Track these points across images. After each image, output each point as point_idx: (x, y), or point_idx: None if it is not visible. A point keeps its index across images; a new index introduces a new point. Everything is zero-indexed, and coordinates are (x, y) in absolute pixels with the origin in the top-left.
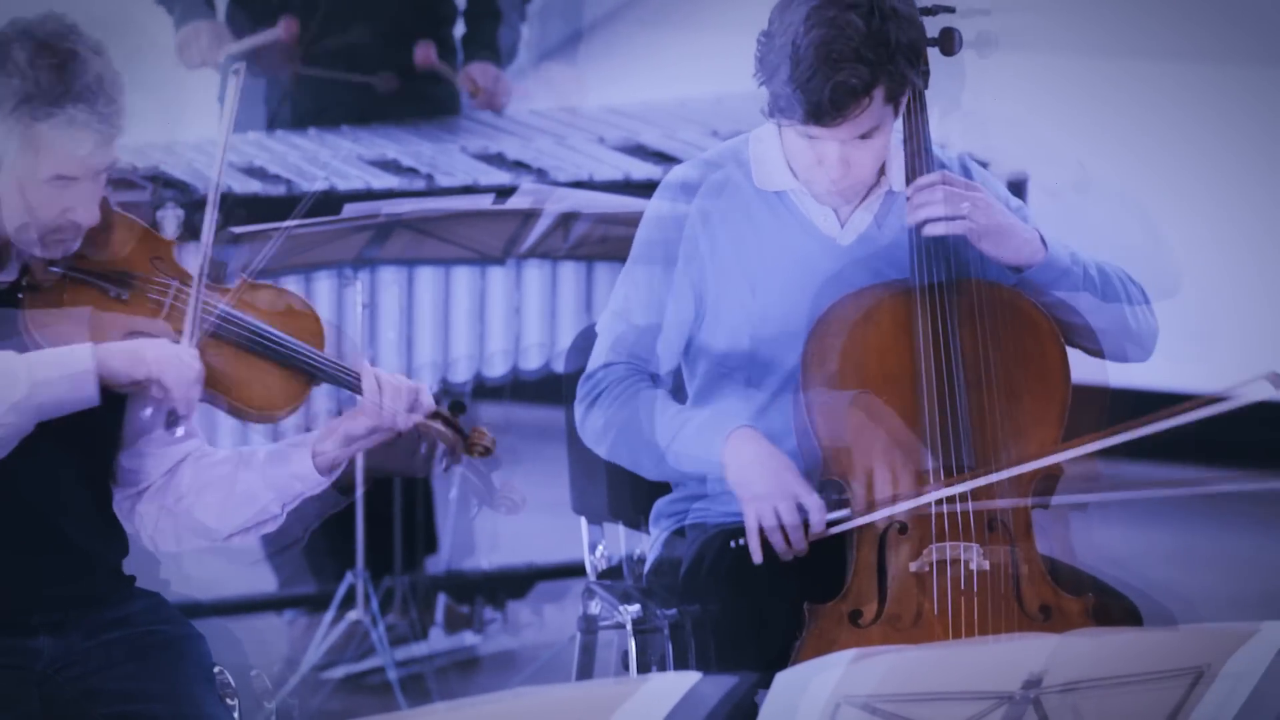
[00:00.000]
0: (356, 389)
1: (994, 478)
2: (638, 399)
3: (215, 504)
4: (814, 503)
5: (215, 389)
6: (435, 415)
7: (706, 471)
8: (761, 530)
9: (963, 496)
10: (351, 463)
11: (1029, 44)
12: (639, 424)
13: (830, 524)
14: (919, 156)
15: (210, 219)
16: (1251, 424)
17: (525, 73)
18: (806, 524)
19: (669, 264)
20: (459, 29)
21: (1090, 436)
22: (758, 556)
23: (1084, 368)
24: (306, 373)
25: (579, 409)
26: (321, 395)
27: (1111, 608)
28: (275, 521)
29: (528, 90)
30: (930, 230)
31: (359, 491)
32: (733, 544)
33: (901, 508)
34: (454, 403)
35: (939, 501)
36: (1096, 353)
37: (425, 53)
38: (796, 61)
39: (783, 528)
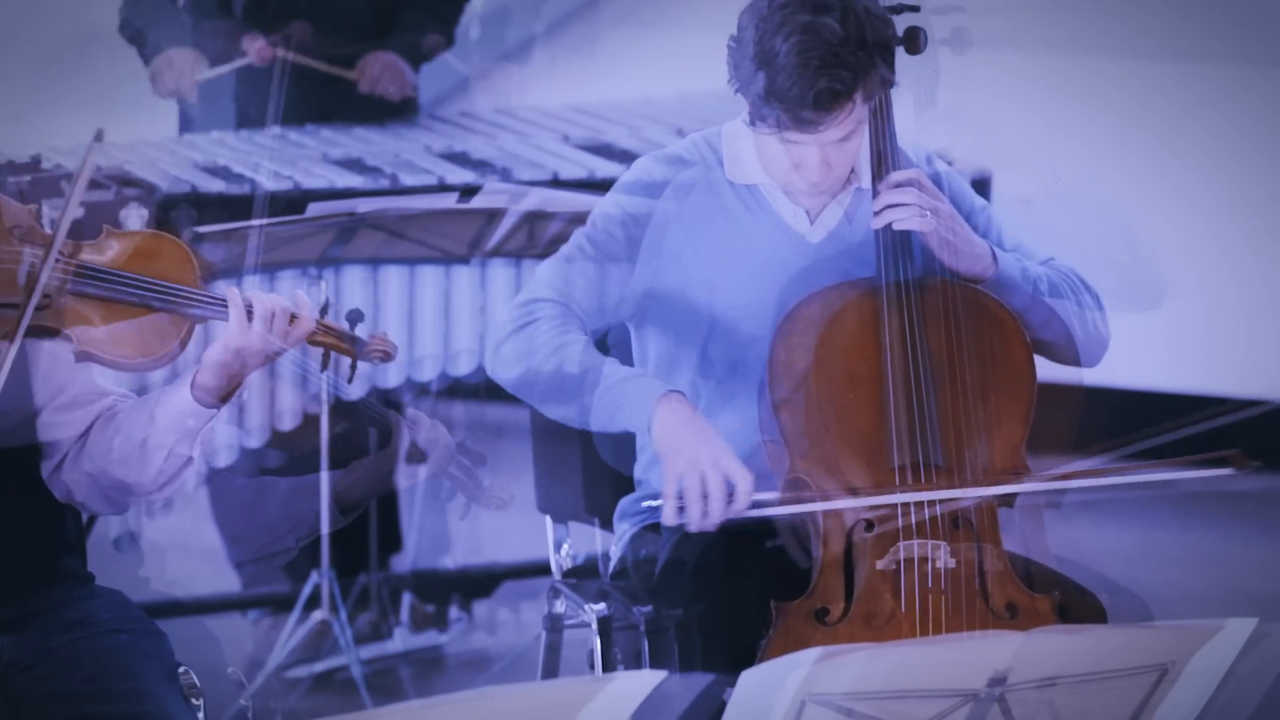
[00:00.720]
0: (223, 315)
1: (966, 492)
2: (567, 337)
3: (125, 458)
4: (741, 476)
5: (91, 348)
6: (326, 329)
7: (629, 426)
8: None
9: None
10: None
11: (1007, 42)
12: (562, 361)
13: (756, 504)
14: (886, 154)
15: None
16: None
17: (479, 70)
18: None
19: (621, 258)
20: (475, 32)
21: (1067, 474)
22: (671, 519)
23: (1057, 368)
24: (176, 311)
25: (501, 331)
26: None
27: (1078, 605)
28: (192, 464)
29: (472, 90)
30: (897, 224)
31: (324, 489)
32: (645, 503)
33: (864, 502)
34: (350, 313)
35: (761, 506)
36: (1053, 359)
37: (435, 40)
38: (775, 69)
39: (705, 495)
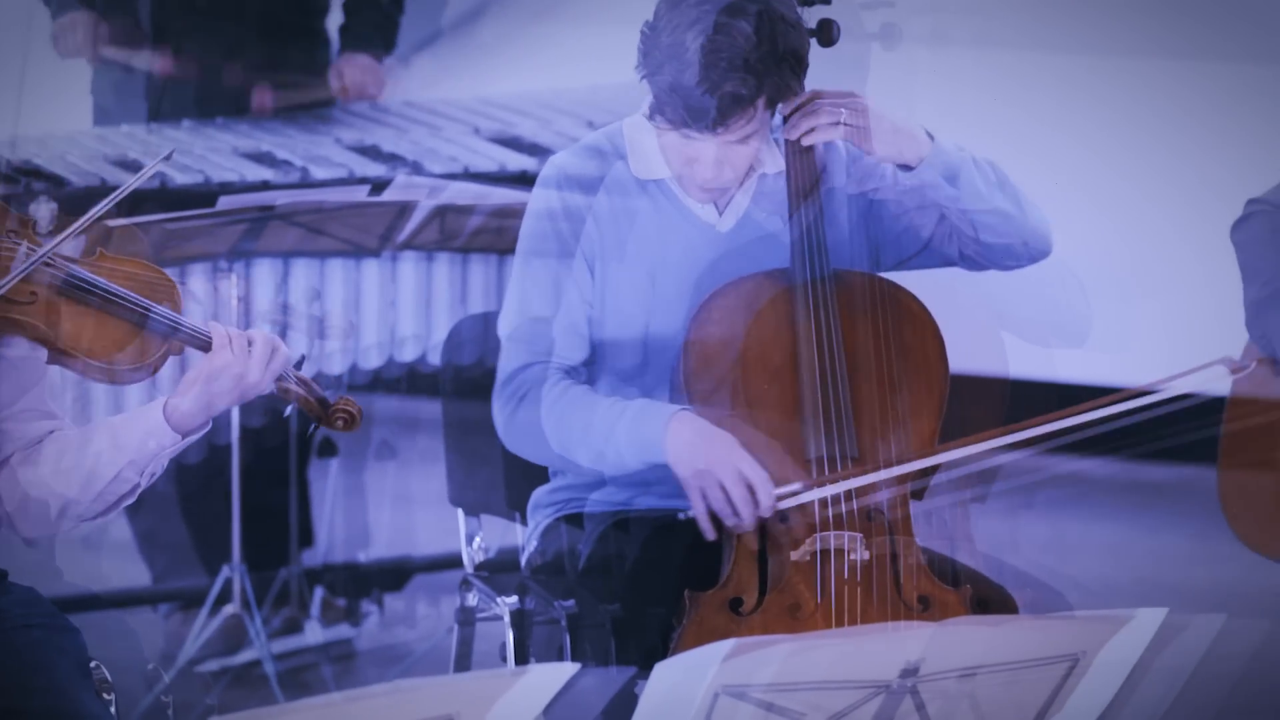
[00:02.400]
0: (207, 347)
1: (896, 470)
2: (566, 395)
3: (73, 477)
4: (759, 479)
5: (70, 349)
6: (301, 381)
7: (647, 459)
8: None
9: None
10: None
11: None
12: (571, 419)
13: (779, 498)
14: (799, 151)
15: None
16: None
17: (393, 66)
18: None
19: (564, 255)
20: (334, 19)
21: (976, 437)
22: (710, 534)
23: (982, 359)
24: (157, 331)
25: (503, 414)
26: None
27: (989, 599)
28: (135, 492)
29: (397, 81)
30: (809, 139)
31: (235, 484)
32: (680, 515)
33: (853, 484)
34: (316, 377)
35: (785, 498)
36: (1012, 252)
37: (261, 98)
38: (683, 66)
39: (730, 501)
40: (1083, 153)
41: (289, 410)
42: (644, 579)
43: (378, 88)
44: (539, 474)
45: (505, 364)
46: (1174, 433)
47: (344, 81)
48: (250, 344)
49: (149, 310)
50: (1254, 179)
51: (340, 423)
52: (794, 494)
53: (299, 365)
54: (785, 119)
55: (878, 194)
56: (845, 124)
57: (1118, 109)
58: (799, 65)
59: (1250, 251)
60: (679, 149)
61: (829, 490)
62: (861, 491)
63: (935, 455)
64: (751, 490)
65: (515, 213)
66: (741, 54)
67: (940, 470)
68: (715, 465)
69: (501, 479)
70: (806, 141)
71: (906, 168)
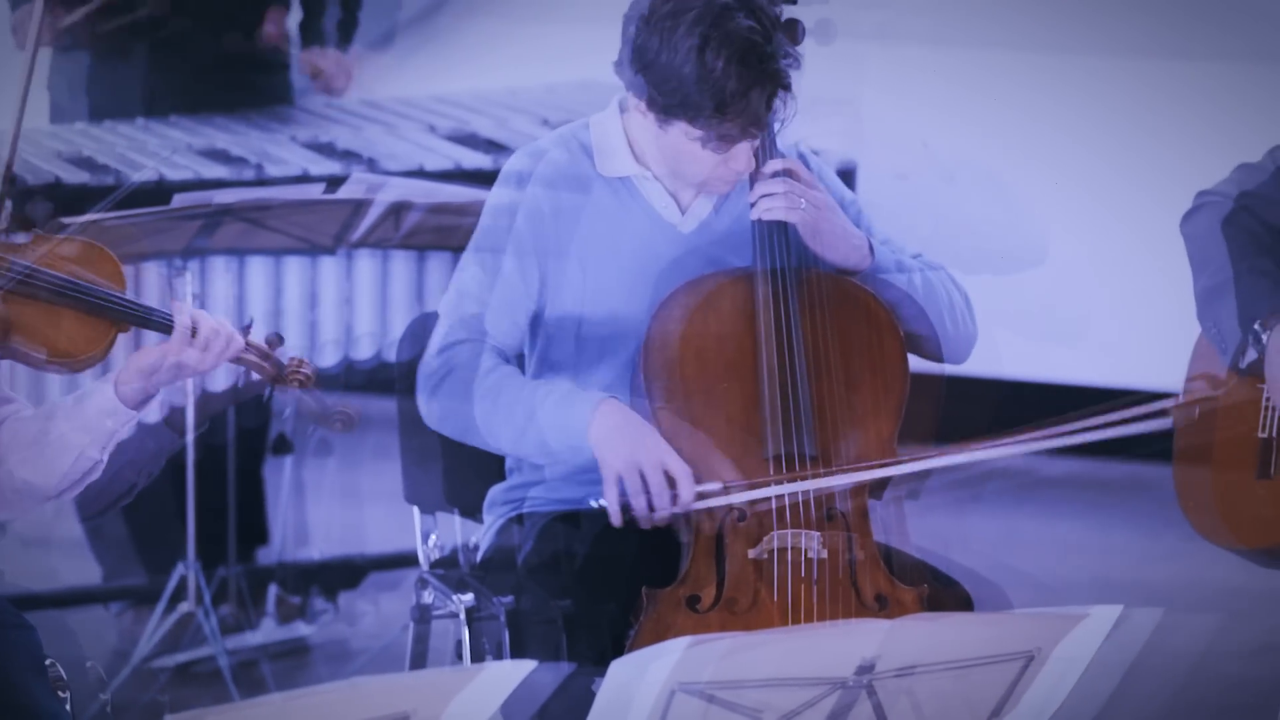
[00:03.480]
0: (168, 329)
1: (852, 477)
2: (492, 375)
3: (34, 460)
4: (681, 472)
5: (29, 341)
6: (251, 349)
7: (569, 443)
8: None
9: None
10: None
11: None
12: (495, 399)
13: (699, 495)
14: (763, 146)
15: None
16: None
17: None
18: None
19: (515, 249)
20: (295, 15)
21: (934, 451)
22: (617, 519)
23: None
24: (113, 317)
25: (425, 390)
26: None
27: (945, 597)
28: (98, 468)
29: (360, 77)
30: (767, 215)
31: (190, 481)
32: (592, 503)
33: (788, 489)
34: (269, 337)
35: (705, 497)
36: (922, 355)
37: (274, 22)
38: (720, 78)
39: (647, 491)
40: (1036, 149)
41: (241, 380)
42: (595, 575)
43: (345, 82)
44: (486, 472)
45: (436, 338)
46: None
47: (318, 66)
48: (215, 336)
49: (106, 301)
50: (1203, 172)
51: (297, 383)
52: (713, 494)
53: (247, 330)
54: (753, 183)
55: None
56: (803, 210)
57: (1069, 105)
58: (795, 37)
59: (1199, 243)
60: (702, 159)
61: (747, 496)
62: (818, 489)
63: (873, 469)
64: (672, 483)
65: (471, 210)
66: (765, 52)
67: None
68: (640, 453)
69: (451, 475)
70: (765, 216)
71: (842, 272)
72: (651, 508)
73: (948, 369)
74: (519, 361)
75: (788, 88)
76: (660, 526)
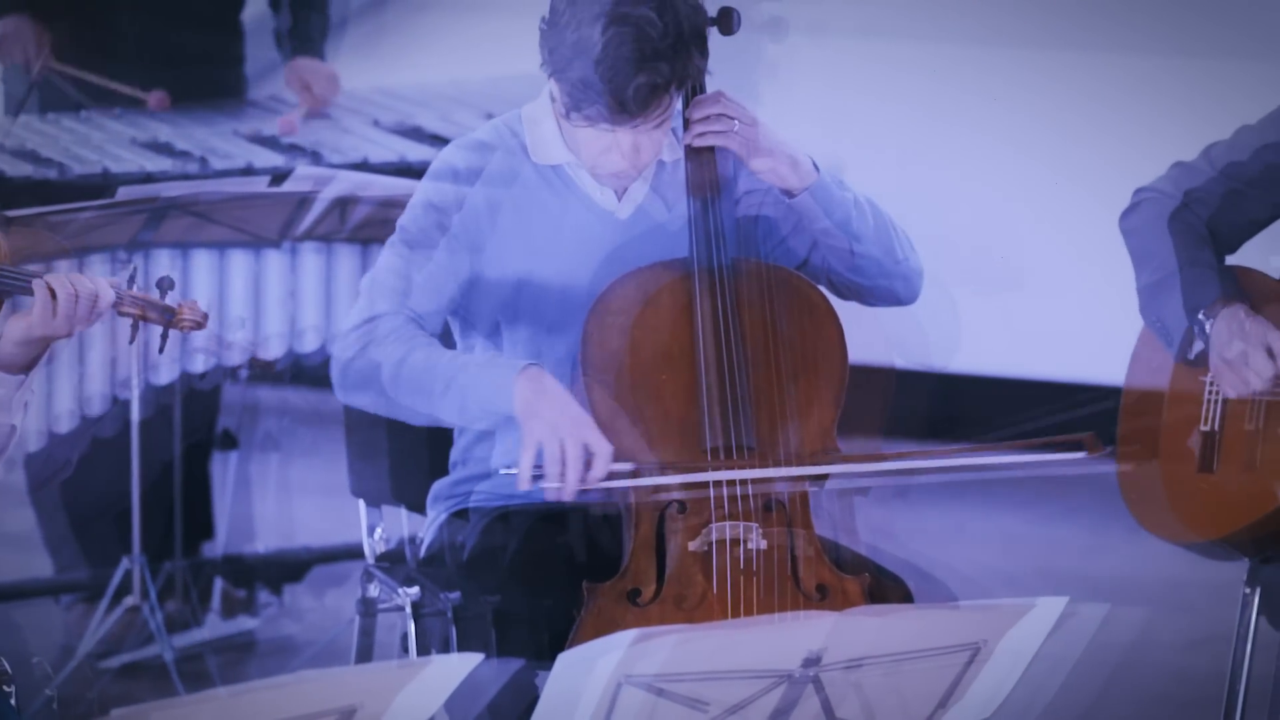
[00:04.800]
0: (28, 292)
1: (781, 472)
2: (412, 342)
3: None
4: (599, 445)
5: None
6: (135, 300)
7: (489, 407)
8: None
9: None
10: None
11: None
12: (410, 366)
13: (610, 475)
14: (695, 85)
15: None
16: (1021, 404)
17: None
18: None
19: (443, 236)
20: (247, 11)
21: (876, 456)
22: (526, 483)
23: (869, 350)
24: None
25: (341, 358)
26: None
27: (887, 588)
28: (14, 434)
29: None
30: (702, 141)
31: (134, 476)
32: (502, 470)
33: (689, 478)
34: (160, 280)
35: (719, 482)
36: (878, 290)
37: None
38: (592, 61)
39: (563, 461)
40: (970, 143)
41: (132, 336)
42: (525, 570)
43: (334, 94)
44: (431, 466)
45: (356, 311)
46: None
47: (312, 91)
48: (76, 299)
49: None
50: (1140, 169)
51: (186, 326)
52: (624, 474)
53: (131, 282)
54: (685, 120)
55: (760, 209)
56: (737, 133)
57: (1005, 99)
58: (703, 46)
59: (1140, 238)
60: (592, 140)
61: (657, 480)
62: (759, 481)
63: (814, 466)
64: (589, 458)
65: None
66: (651, 44)
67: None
68: (564, 423)
69: (397, 469)
70: (698, 144)
71: (788, 194)
72: (564, 476)
73: (897, 363)
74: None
75: (671, 85)
76: (565, 501)
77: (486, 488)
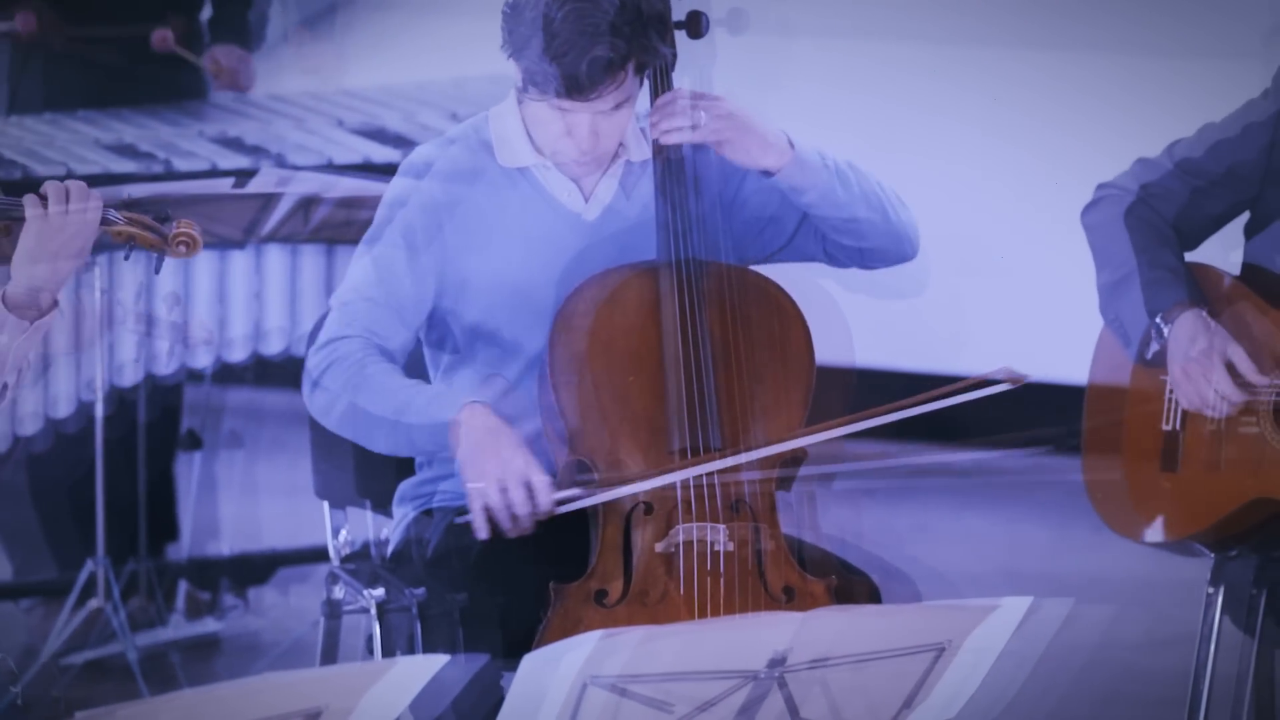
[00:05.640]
0: (22, 213)
1: (740, 458)
2: (367, 370)
3: None
4: (540, 482)
5: None
6: (130, 221)
7: (438, 444)
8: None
9: (709, 476)
10: None
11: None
12: (370, 396)
13: (559, 502)
14: (658, 85)
15: None
16: (983, 403)
17: (278, 51)
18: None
19: (409, 244)
20: (206, 12)
21: (835, 422)
22: (482, 533)
23: (831, 350)
24: None
25: (307, 381)
26: None
27: (853, 589)
28: (4, 395)
29: (281, 69)
30: (667, 139)
31: (99, 478)
32: (456, 519)
33: (643, 486)
34: (156, 211)
35: (685, 482)
36: (874, 252)
37: (163, 36)
38: (551, 35)
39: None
40: (934, 141)
41: (127, 253)
42: (490, 566)
43: (249, 80)
44: (397, 463)
45: (325, 330)
46: (1035, 420)
47: (220, 66)
48: (67, 194)
49: None
50: (1104, 164)
51: (183, 248)
52: (574, 499)
53: (128, 206)
54: (650, 118)
55: (740, 193)
56: (701, 127)
57: (969, 97)
58: (664, 29)
59: (1101, 235)
60: (552, 123)
61: (607, 495)
62: (724, 475)
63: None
64: (530, 492)
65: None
66: (608, 18)
67: (807, 462)
68: (501, 467)
69: (363, 468)
70: (663, 141)
71: (767, 173)
72: (514, 516)
73: (857, 361)
74: (404, 359)
75: (626, 68)
76: (524, 532)
77: (451, 487)
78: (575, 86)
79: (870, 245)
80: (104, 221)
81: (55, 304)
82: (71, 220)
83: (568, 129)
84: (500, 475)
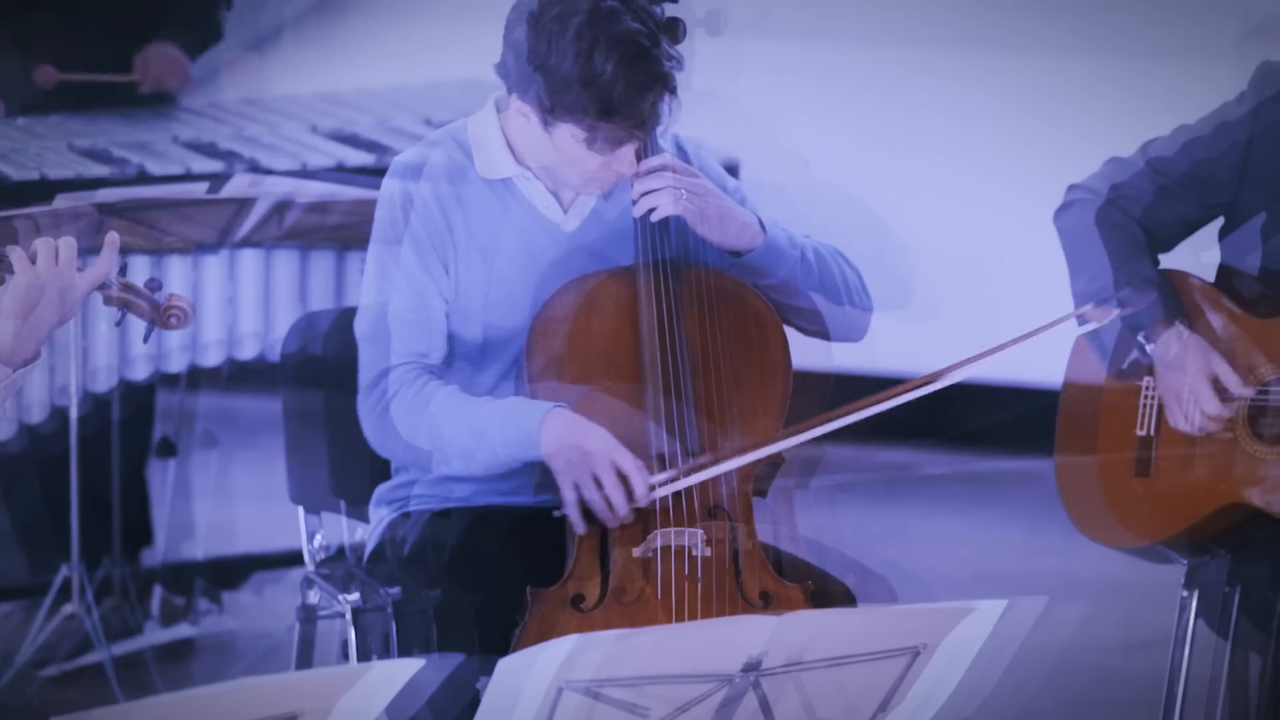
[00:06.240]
0: (8, 265)
1: (724, 466)
2: (436, 396)
3: None
4: (634, 467)
5: None
6: (124, 286)
7: (521, 455)
8: (583, 501)
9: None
10: None
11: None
12: (441, 419)
13: (653, 486)
14: (643, 147)
15: None
16: (956, 407)
17: (226, 61)
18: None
19: (417, 250)
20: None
21: (810, 423)
22: (580, 526)
23: (808, 354)
24: None
25: (371, 418)
26: None
27: (829, 594)
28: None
29: (219, 80)
30: (655, 215)
31: (73, 483)
32: (555, 514)
33: (677, 485)
34: (149, 281)
35: (659, 486)
36: (819, 334)
37: (46, 73)
38: (601, 88)
39: (603, 492)
40: (908, 143)
41: (119, 319)
42: (466, 565)
43: (180, 81)
44: (372, 463)
45: (368, 367)
46: (1008, 421)
47: (146, 71)
48: (56, 252)
49: None
50: (1076, 165)
51: (174, 320)
52: (671, 480)
53: (122, 272)
54: (633, 182)
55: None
56: (685, 204)
57: (943, 99)
58: (673, 35)
59: (1074, 240)
60: (585, 155)
61: (698, 477)
62: (702, 487)
63: (773, 443)
64: (625, 480)
65: (354, 209)
66: (645, 51)
67: (786, 465)
68: (590, 457)
69: (339, 467)
70: (653, 216)
71: (735, 254)
72: (611, 506)
73: (835, 366)
74: (445, 368)
75: (674, 90)
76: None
77: (427, 491)
78: (641, 126)
79: (815, 328)
80: (100, 286)
81: (37, 355)
82: (61, 277)
83: (614, 159)
84: (591, 467)
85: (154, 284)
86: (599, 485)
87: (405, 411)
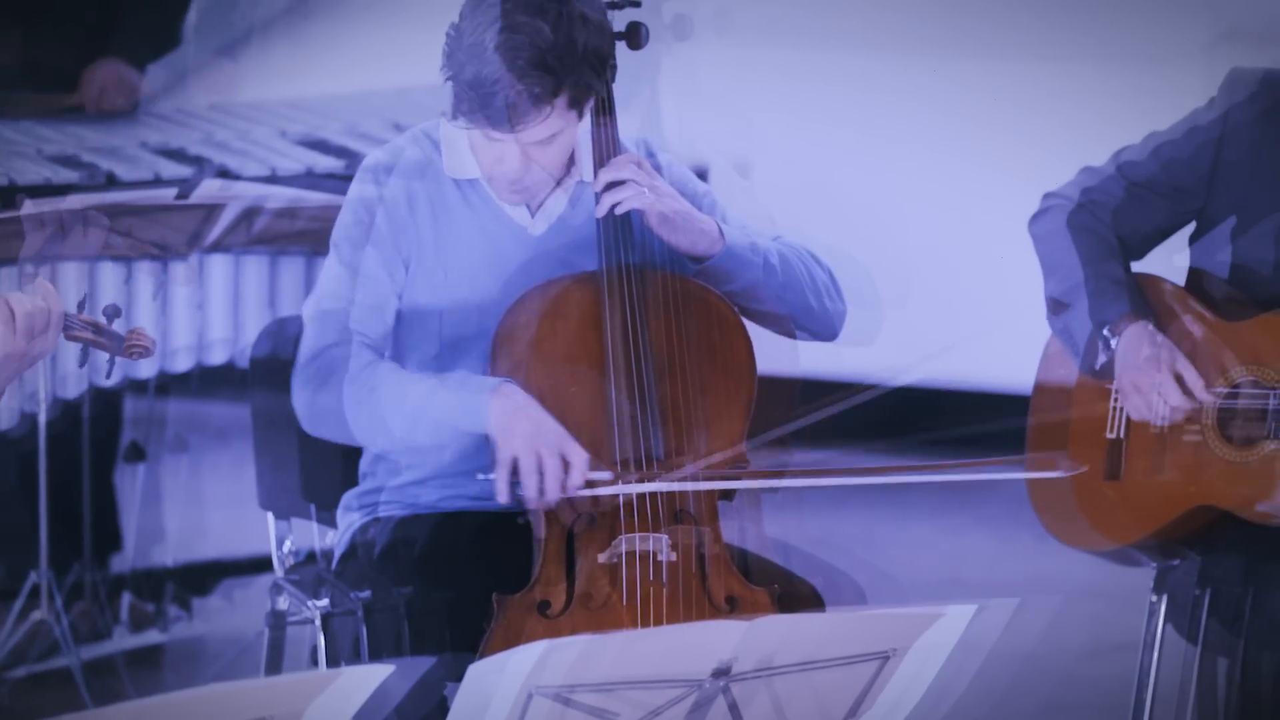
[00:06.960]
0: None
1: (687, 472)
2: (368, 370)
3: None
4: (580, 458)
5: None
6: (86, 324)
7: (466, 425)
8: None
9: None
10: None
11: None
12: (377, 394)
13: (589, 484)
14: (607, 149)
15: None
16: (927, 411)
17: (189, 67)
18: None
19: (377, 244)
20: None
21: (784, 429)
22: (504, 496)
23: (775, 359)
24: None
25: (304, 394)
26: None
27: (797, 596)
28: None
29: (188, 85)
30: (619, 208)
31: (42, 488)
32: (479, 476)
33: (642, 488)
34: (106, 309)
35: (597, 485)
36: (787, 334)
37: None
38: (481, 64)
39: (541, 472)
40: (881, 149)
41: (81, 360)
42: (435, 567)
43: (127, 98)
44: (343, 466)
45: (307, 344)
46: (979, 426)
47: (90, 90)
48: (32, 318)
49: None
50: (1052, 173)
51: (136, 354)
52: (604, 482)
53: (81, 308)
54: (596, 180)
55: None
56: (649, 200)
57: (916, 106)
58: (601, 65)
59: (1048, 245)
60: (485, 148)
61: (638, 488)
62: (668, 492)
63: (739, 480)
64: (566, 468)
65: (323, 214)
66: (540, 52)
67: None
68: (540, 436)
69: (309, 471)
70: (618, 209)
71: (696, 260)
72: (541, 491)
73: (801, 369)
74: (386, 354)
75: (541, 100)
76: (547, 509)
77: (394, 497)
78: (499, 119)
79: (784, 330)
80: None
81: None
82: (36, 333)
83: (499, 156)
84: (539, 445)
85: (112, 310)
86: (539, 462)
87: (351, 379)
